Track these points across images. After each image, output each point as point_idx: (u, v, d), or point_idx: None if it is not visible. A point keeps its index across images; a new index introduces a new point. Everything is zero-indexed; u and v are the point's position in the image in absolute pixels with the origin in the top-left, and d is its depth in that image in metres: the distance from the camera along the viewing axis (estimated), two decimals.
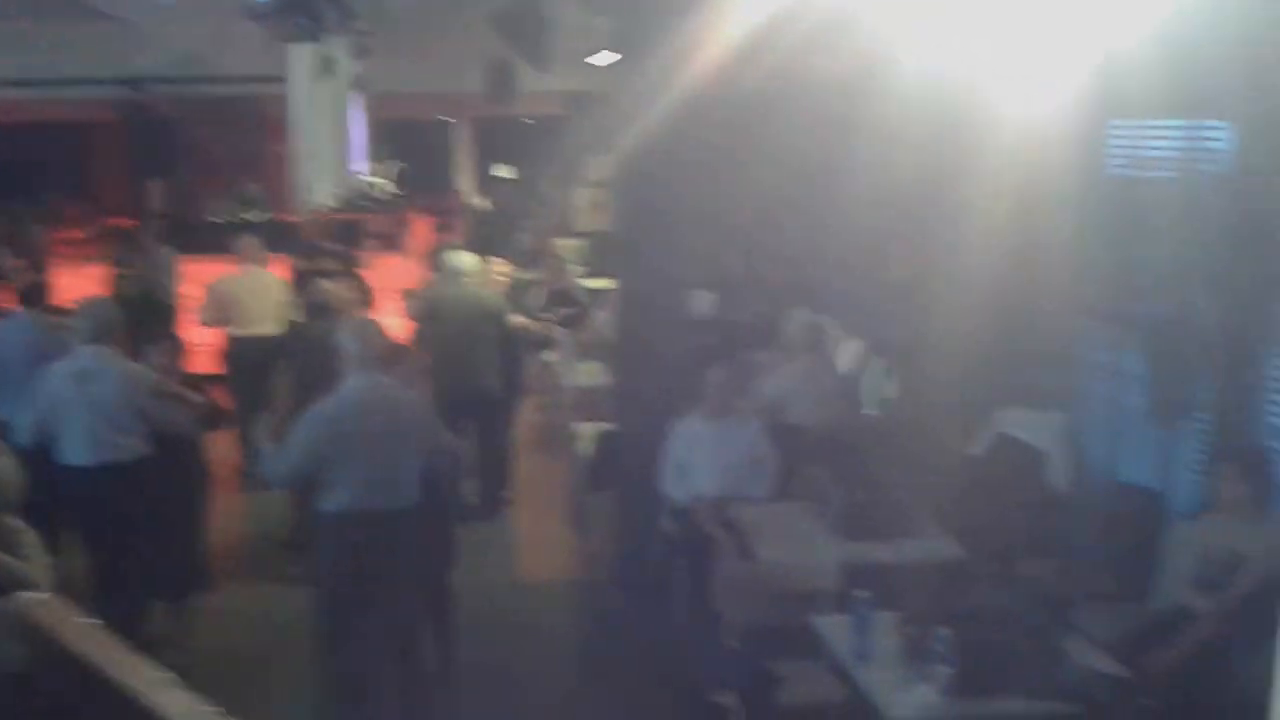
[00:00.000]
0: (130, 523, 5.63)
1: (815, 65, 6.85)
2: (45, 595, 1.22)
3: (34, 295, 7.21)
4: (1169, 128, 5.94)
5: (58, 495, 5.51)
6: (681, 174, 6.53)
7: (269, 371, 7.14)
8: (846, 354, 8.75)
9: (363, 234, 13.77)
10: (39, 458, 5.32)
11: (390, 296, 9.44)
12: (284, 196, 17.16)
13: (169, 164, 16.53)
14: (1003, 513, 6.16)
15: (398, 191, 18.32)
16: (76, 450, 5.58)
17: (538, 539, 7.86)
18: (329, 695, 5.17)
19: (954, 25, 4.92)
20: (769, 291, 10.36)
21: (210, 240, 12.66)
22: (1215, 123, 5.53)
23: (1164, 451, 6.01)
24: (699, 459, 6.18)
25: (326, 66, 8.40)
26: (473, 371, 7.66)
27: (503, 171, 19.36)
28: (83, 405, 5.57)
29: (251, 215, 16.46)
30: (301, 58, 8.28)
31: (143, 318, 7.28)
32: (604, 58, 10.26)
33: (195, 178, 17.16)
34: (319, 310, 7.11)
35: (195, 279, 9.74)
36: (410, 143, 18.98)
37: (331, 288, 7.44)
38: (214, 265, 9.72)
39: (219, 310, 8.59)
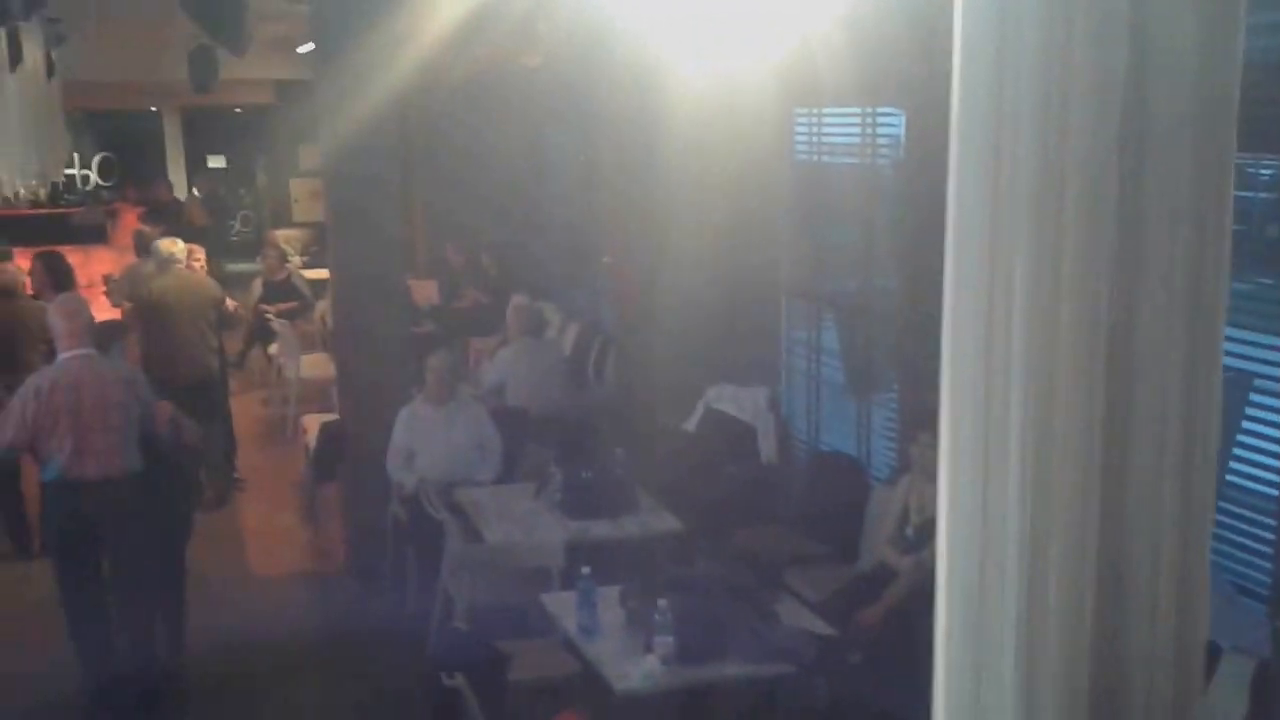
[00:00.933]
0: None
1: (520, 56, 6.99)
2: None
3: None
4: (850, 114, 6.38)
5: None
6: (391, 164, 6.56)
7: None
8: (569, 337, 9.00)
9: (68, 227, 13.14)
10: None
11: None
12: None
13: None
14: (716, 485, 6.48)
15: (102, 183, 17.43)
16: None
17: (268, 532, 7.73)
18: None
19: (649, 13, 5.09)
20: (488, 278, 10.51)
21: None
22: (891, 109, 5.97)
23: (861, 420, 6.46)
24: (424, 444, 6.24)
25: (17, 55, 7.92)
26: (190, 355, 7.50)
27: (214, 161, 18.74)
28: None
29: None
30: None
31: None
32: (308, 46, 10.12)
33: None
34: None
35: None
36: (118, 133, 18.10)
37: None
38: None
39: None
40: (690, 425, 7.03)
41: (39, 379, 5.12)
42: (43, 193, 13.39)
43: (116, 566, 5.27)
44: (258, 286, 11.12)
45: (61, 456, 5.04)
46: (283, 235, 13.14)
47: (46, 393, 5.02)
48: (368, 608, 6.51)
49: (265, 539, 7.66)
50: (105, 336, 5.53)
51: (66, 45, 10.33)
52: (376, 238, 6.48)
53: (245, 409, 10.19)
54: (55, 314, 5.24)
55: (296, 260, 12.75)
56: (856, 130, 6.32)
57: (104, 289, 9.94)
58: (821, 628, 4.59)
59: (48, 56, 9.77)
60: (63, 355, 5.15)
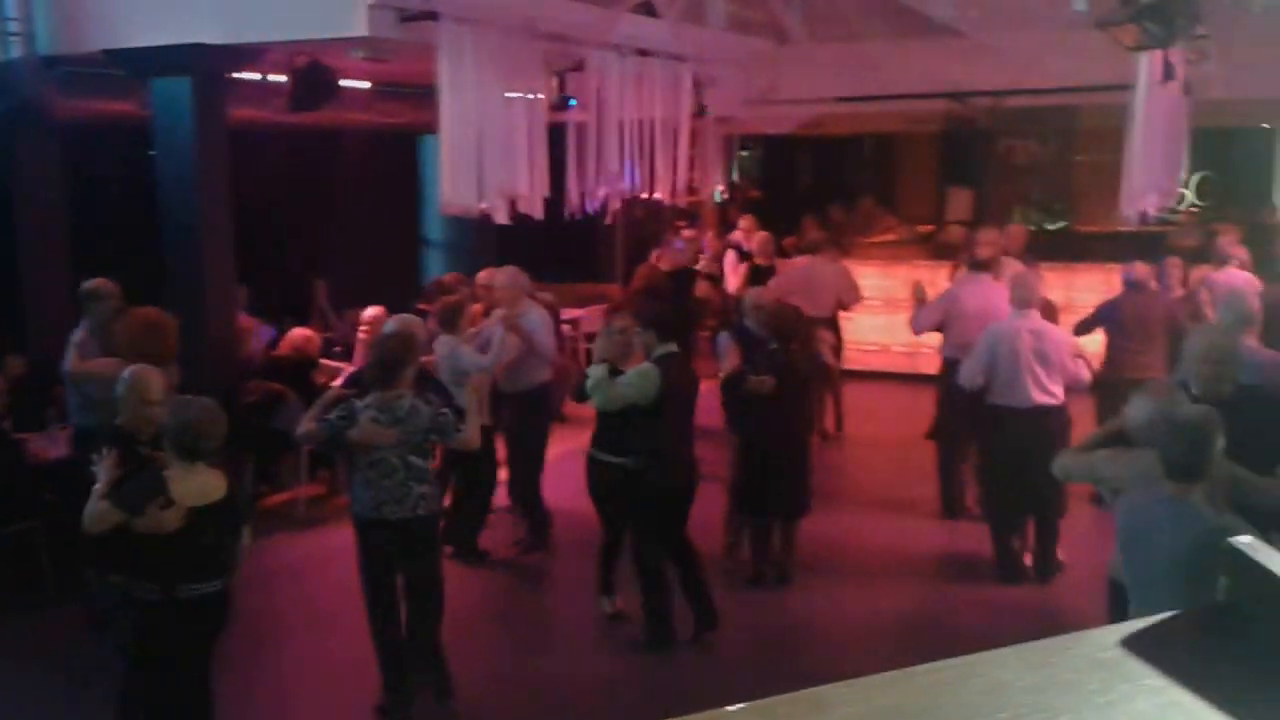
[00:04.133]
0: None
1: None
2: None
3: None
4: None
5: None
6: None
7: None
8: None
9: (1165, 245, 13.26)
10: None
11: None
12: (1080, 207, 16.99)
13: (974, 173, 17.09)
14: None
15: (1199, 203, 17.31)
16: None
17: None
18: None
19: None
20: None
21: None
22: None
23: None
24: None
25: (1168, 73, 8.10)
26: None
27: None
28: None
29: (1052, 225, 16.51)
30: (1146, 64, 8.06)
31: None
32: None
33: (998, 187, 17.56)
34: None
35: None
36: (1222, 151, 17.81)
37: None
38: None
39: None
40: None
41: None
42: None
43: None
44: None
45: None
46: None
47: None
48: None
49: None
50: None
51: (1203, 64, 10.32)
52: None
53: None
54: None
55: None
56: None
57: None
58: None
59: (1184, 75, 9.86)
60: None
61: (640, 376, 6.52)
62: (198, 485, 4.97)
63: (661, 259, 11.97)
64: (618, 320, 6.89)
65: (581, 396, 6.77)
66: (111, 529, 4.85)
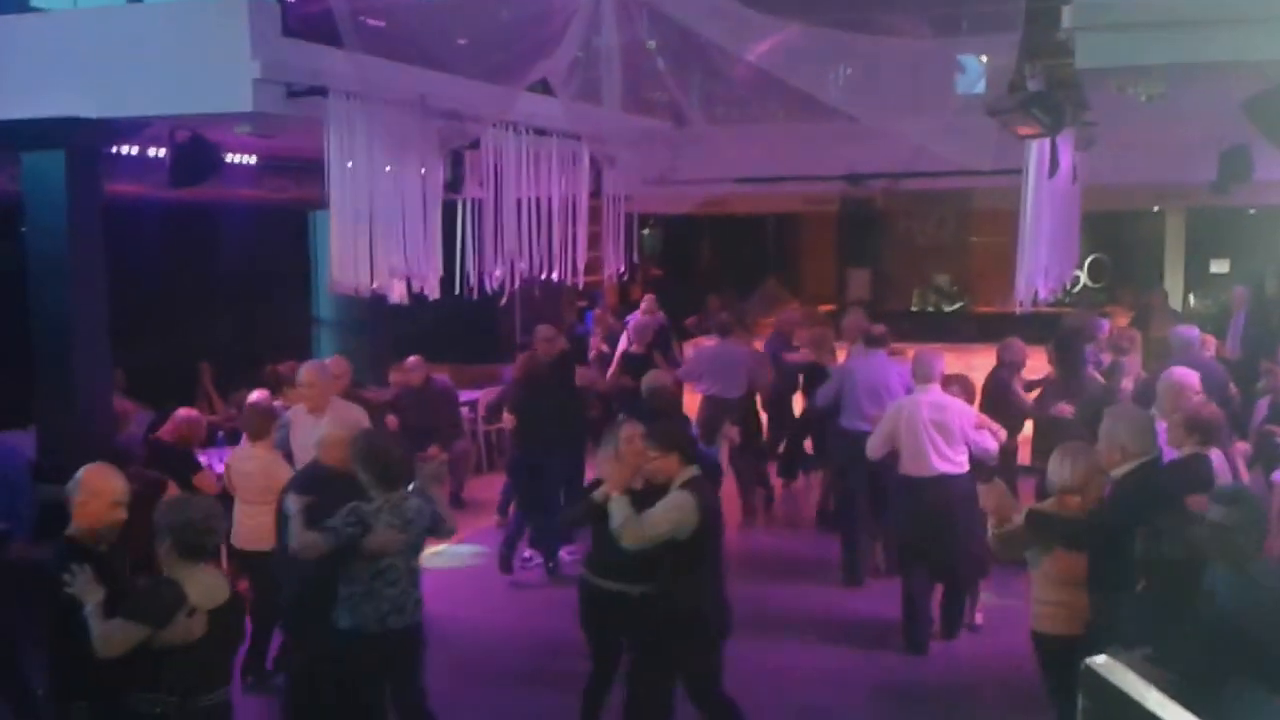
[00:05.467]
0: None
1: None
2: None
3: None
4: None
5: None
6: None
7: None
8: None
9: (1055, 327, 13.44)
10: None
11: None
12: (977, 288, 17.26)
13: (873, 254, 17.30)
14: None
15: (1091, 284, 17.71)
16: None
17: None
18: None
19: None
20: None
21: (909, 329, 13.10)
22: None
23: None
24: None
25: (1056, 160, 8.22)
26: None
27: (1216, 266, 17.97)
28: None
29: (950, 306, 16.73)
30: (1036, 151, 8.17)
31: None
32: None
33: (896, 268, 17.79)
34: None
35: None
36: (1114, 235, 18.27)
37: None
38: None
39: None
40: None
41: None
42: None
43: None
44: (1263, 407, 10.25)
45: None
46: None
47: None
48: None
49: None
50: None
51: (1093, 149, 10.53)
52: None
53: None
54: None
55: None
56: None
57: None
58: None
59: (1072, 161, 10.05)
60: None
61: (676, 510, 5.61)
62: (206, 587, 4.62)
63: (552, 344, 11.16)
64: (625, 429, 6.01)
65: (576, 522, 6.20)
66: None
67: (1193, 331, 9.84)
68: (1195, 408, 6.52)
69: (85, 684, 4.63)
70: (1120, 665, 1.05)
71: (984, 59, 8.86)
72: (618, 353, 12.75)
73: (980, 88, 8.78)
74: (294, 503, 5.66)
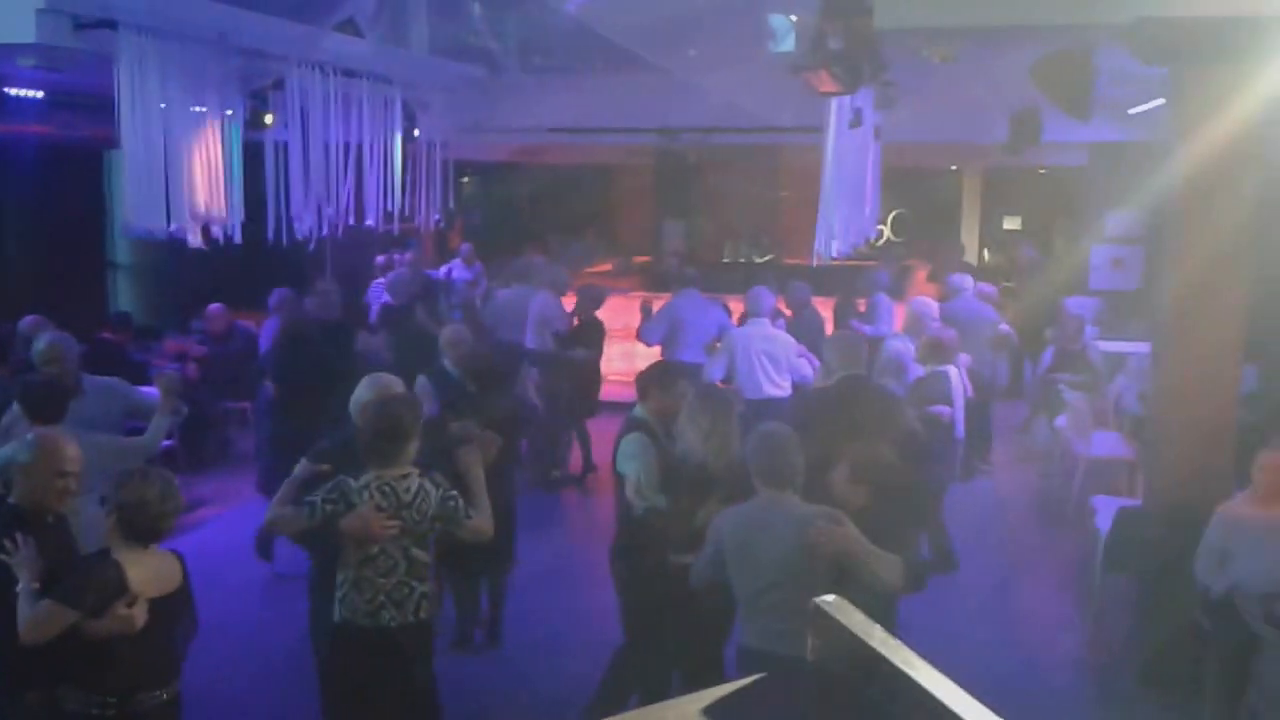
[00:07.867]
0: None
1: None
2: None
3: None
4: None
5: None
6: (1240, 240, 5.98)
7: None
8: None
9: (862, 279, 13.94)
10: None
11: None
12: (786, 241, 17.69)
13: (688, 207, 17.53)
14: None
15: (894, 238, 18.37)
16: None
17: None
18: None
19: None
20: None
21: (722, 280, 13.36)
22: None
23: None
24: (1243, 548, 5.57)
25: (856, 118, 8.49)
26: None
27: (1009, 223, 18.87)
28: None
29: (760, 257, 17.08)
30: (836, 109, 8.41)
31: None
32: (1142, 107, 9.67)
33: (709, 221, 18.05)
34: None
35: None
36: (915, 191, 19.00)
37: None
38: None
39: None
40: None
41: None
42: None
43: None
44: (1049, 355, 10.89)
45: None
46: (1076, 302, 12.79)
47: None
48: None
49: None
50: None
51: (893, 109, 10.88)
52: (1214, 318, 5.94)
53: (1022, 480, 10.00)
54: None
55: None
56: None
57: None
58: None
59: (874, 120, 10.40)
60: None
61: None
62: (153, 572, 4.17)
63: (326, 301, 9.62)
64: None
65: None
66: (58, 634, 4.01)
67: (965, 278, 11.20)
68: (934, 332, 8.26)
69: (31, 672, 4.16)
70: (848, 604, 1.14)
71: (793, 18, 9.04)
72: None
73: (789, 45, 8.97)
74: (299, 469, 5.01)
